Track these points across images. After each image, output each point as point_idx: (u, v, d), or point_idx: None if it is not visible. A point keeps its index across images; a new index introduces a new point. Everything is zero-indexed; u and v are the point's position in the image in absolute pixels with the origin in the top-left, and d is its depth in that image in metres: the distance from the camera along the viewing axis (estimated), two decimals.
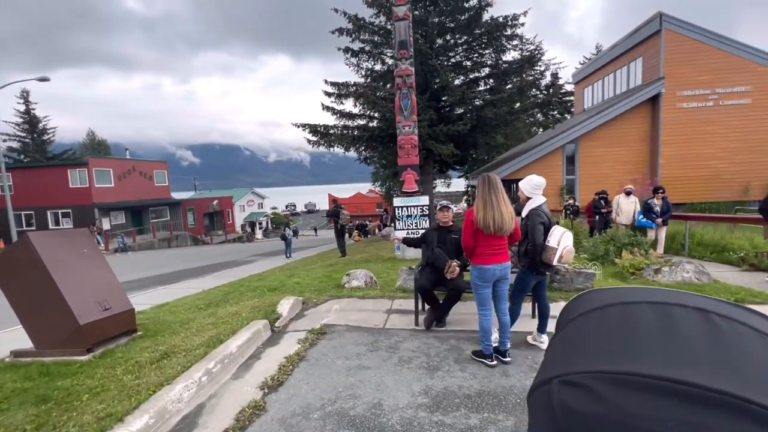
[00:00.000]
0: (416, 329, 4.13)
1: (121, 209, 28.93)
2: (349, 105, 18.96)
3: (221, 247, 27.09)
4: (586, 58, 37.55)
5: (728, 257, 7.47)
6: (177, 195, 39.30)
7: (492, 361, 3.22)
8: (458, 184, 40.92)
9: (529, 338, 3.73)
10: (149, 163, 32.94)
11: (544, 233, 3.38)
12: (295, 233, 26.09)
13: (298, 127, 18.91)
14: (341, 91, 18.60)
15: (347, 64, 19.27)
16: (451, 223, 4.38)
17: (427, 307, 4.39)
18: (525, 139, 23.01)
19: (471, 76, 19.09)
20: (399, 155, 9.65)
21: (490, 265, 3.13)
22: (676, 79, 18.75)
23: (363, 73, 19.37)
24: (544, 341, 3.58)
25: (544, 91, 21.00)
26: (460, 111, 18.00)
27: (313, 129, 18.80)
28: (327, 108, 18.84)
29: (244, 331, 3.81)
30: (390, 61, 18.76)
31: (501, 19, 17.25)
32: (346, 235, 22.11)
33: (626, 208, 8.91)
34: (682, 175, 18.64)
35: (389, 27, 18.45)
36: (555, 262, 3.33)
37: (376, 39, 18.65)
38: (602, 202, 9.59)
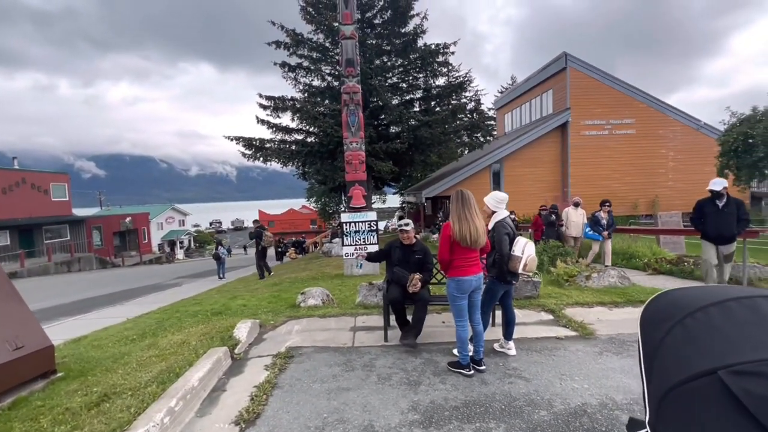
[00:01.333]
0: (387, 345, 4.08)
1: (5, 228, 24.41)
2: (286, 119, 18.54)
3: (136, 270, 24.19)
4: (504, 87, 41.60)
5: (635, 263, 8.67)
6: (79, 211, 34.38)
7: (469, 370, 3.31)
8: (393, 201, 41.98)
9: (496, 345, 3.90)
10: (45, 174, 28.39)
11: (509, 244, 3.62)
12: (229, 252, 24.36)
13: (231, 140, 18.01)
14: (278, 104, 18.15)
15: (284, 78, 18.94)
16: (413, 241, 4.35)
17: (393, 323, 4.35)
18: (457, 158, 24.55)
19: (407, 98, 19.94)
20: (346, 171, 9.64)
21: (468, 276, 3.25)
22: (580, 110, 21.65)
23: (301, 87, 19.17)
24: (511, 347, 3.78)
25: (469, 115, 22.79)
26: (397, 130, 18.63)
27: (248, 142, 18.03)
28: (262, 121, 18.22)
29: (204, 360, 3.42)
30: (329, 78, 18.86)
31: (434, 47, 18.40)
32: (283, 254, 21.23)
33: (576, 220, 8.92)
34: (587, 192, 21.38)
35: (328, 45, 18.62)
36: (520, 270, 3.56)
37: (314, 55, 18.63)
38: (554, 216, 9.40)
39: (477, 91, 24.71)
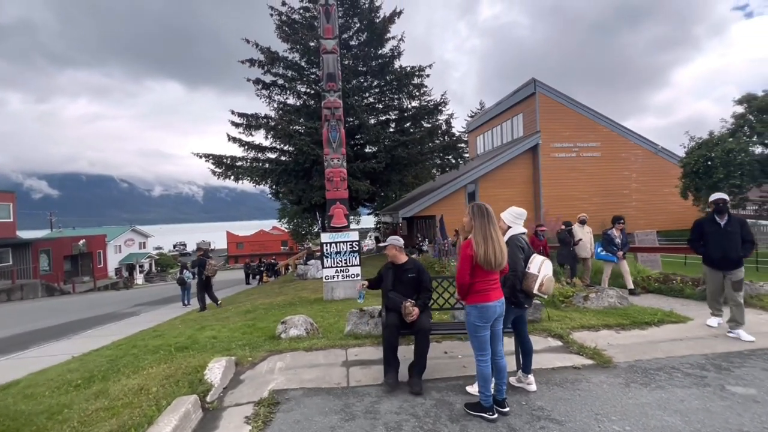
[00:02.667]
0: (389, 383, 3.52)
1: None
2: (259, 137, 17.94)
3: (89, 297, 22.10)
4: (473, 112, 42.94)
5: (622, 282, 8.57)
6: (26, 234, 31.44)
7: (492, 414, 2.83)
8: (367, 221, 41.58)
9: (513, 380, 3.45)
10: None
11: (524, 261, 3.26)
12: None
13: (201, 157, 17.16)
14: (251, 122, 17.56)
15: (258, 95, 18.46)
16: (402, 260, 3.87)
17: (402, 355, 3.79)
18: (433, 178, 24.60)
19: (383, 118, 19.87)
20: (327, 188, 9.15)
21: (492, 302, 2.81)
22: (549, 133, 22.39)
23: (275, 106, 18.71)
24: (531, 382, 3.34)
25: (442, 137, 23.12)
26: (374, 149, 18.41)
27: (218, 160, 17.22)
28: (234, 139, 17.51)
29: (167, 415, 2.73)
30: (305, 97, 18.53)
31: (409, 69, 18.57)
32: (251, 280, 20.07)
33: (583, 239, 8.24)
34: (558, 213, 21.86)
35: (303, 64, 18.38)
36: (535, 291, 3.18)
37: (290, 74, 18.31)
38: (568, 233, 8.34)
39: (451, 114, 25.20)
